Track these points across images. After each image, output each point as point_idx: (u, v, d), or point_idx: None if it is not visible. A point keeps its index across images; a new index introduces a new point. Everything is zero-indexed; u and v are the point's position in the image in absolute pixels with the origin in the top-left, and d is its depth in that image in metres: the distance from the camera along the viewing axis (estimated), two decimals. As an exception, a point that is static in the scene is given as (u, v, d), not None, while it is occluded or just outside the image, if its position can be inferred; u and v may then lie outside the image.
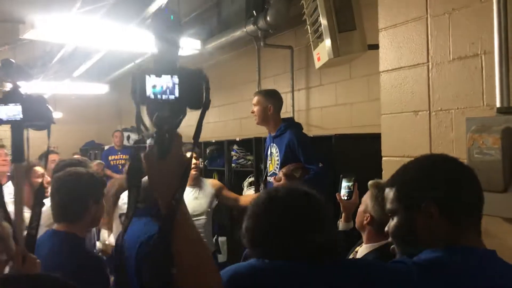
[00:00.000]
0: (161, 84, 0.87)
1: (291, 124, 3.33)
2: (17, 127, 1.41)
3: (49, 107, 1.66)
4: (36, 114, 1.45)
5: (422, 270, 1.11)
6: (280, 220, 1.22)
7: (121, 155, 7.28)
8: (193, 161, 3.63)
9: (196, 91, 0.91)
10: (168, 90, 0.87)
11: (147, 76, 0.87)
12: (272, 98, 3.36)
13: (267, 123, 3.38)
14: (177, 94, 0.87)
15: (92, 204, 1.96)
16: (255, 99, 3.40)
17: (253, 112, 3.40)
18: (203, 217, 3.65)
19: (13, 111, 1.37)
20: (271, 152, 3.38)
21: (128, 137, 8.01)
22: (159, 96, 0.87)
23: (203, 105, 0.92)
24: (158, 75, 0.87)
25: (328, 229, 1.27)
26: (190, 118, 0.99)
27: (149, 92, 0.88)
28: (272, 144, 3.37)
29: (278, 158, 3.27)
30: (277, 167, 3.26)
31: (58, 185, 1.97)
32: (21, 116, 1.39)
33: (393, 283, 1.12)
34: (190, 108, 0.92)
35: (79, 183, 1.95)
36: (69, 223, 1.93)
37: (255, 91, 5.32)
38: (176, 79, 0.87)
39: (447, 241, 1.16)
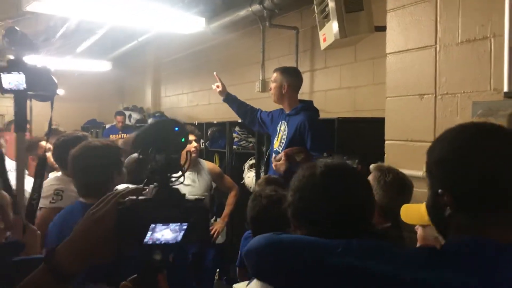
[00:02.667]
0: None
1: (308, 107, 3.24)
2: (20, 97, 1.40)
3: (54, 78, 1.65)
4: (40, 85, 1.44)
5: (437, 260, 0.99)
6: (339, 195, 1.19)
7: (123, 135, 7.28)
8: (193, 144, 3.62)
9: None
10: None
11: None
12: (289, 76, 3.24)
13: (282, 102, 3.28)
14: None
15: (116, 175, 1.93)
16: (273, 75, 3.30)
17: (270, 89, 3.32)
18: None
19: (17, 79, 1.36)
20: (279, 129, 3.29)
21: (130, 116, 7.99)
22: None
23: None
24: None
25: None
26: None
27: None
28: (283, 121, 3.28)
29: (285, 137, 3.19)
30: (281, 146, 3.20)
31: (80, 162, 1.92)
32: (25, 85, 1.37)
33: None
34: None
35: (99, 156, 1.91)
36: (96, 197, 1.90)
37: (258, 72, 5.33)
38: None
39: (468, 233, 1.01)
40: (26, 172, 2.87)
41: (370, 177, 2.03)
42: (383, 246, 1.08)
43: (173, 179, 0.90)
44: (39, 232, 1.39)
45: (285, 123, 3.24)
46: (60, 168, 2.61)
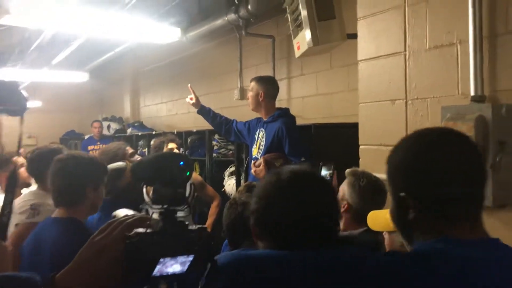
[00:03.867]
0: None
1: (285, 114, 3.30)
2: (-12, 111, 1.39)
3: (23, 92, 1.64)
4: (9, 99, 1.43)
5: (410, 263, 1.03)
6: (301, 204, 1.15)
7: (101, 145, 7.20)
8: (176, 152, 3.64)
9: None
10: None
11: None
12: (264, 85, 3.31)
13: (259, 110, 3.34)
14: None
15: (91, 191, 1.93)
16: (250, 84, 3.37)
17: (248, 98, 3.37)
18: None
19: (-16, 95, 1.35)
20: (258, 136, 3.34)
21: (109, 127, 7.92)
22: None
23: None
24: None
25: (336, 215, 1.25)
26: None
27: None
28: (261, 128, 3.33)
29: (263, 143, 3.24)
30: (259, 152, 3.25)
31: (58, 171, 1.93)
32: (-8, 100, 1.36)
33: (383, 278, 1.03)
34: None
35: (77, 168, 1.92)
36: (68, 208, 1.90)
37: (236, 80, 5.35)
38: None
39: (433, 234, 1.04)
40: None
41: (345, 182, 2.06)
42: (350, 259, 1.07)
43: (178, 212, 0.91)
44: (10, 248, 1.37)
45: (263, 130, 3.29)
46: (36, 182, 2.57)
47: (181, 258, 0.86)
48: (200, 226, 0.93)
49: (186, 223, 0.92)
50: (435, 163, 1.04)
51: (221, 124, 3.71)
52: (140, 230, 0.86)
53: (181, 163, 0.95)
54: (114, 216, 1.40)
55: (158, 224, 0.89)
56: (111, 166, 2.61)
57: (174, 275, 0.87)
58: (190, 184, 1.00)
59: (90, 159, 2.00)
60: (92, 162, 1.99)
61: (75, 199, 1.90)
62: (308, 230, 1.13)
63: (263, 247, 1.17)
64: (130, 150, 3.32)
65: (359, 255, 1.11)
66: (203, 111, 3.75)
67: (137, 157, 3.35)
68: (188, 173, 0.95)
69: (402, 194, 1.07)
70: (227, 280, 1.07)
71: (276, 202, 1.16)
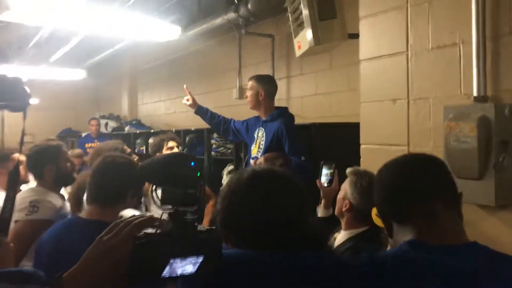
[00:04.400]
0: None
1: (284, 113, 3.30)
2: (-10, 107, 1.37)
3: (26, 88, 1.62)
4: (12, 95, 1.41)
5: (374, 267, 1.15)
6: (261, 202, 1.13)
7: (98, 143, 7.17)
8: (175, 150, 3.63)
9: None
10: None
11: None
12: (264, 84, 3.31)
13: (259, 108, 3.33)
14: None
15: (131, 195, 1.88)
16: (249, 83, 3.36)
17: (246, 96, 3.37)
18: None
19: (-13, 90, 1.33)
20: (257, 135, 3.35)
21: (106, 125, 7.90)
22: None
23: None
24: None
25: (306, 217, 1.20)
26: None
27: None
28: (260, 127, 3.34)
29: (263, 143, 3.24)
30: (259, 152, 3.25)
31: (108, 163, 1.90)
32: (-5, 95, 1.35)
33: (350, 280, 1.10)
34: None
35: (130, 168, 1.88)
36: (103, 207, 1.83)
37: (235, 79, 5.34)
38: None
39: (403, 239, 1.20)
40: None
41: (347, 181, 2.06)
42: (309, 261, 1.07)
43: (188, 213, 0.90)
44: (12, 245, 1.36)
45: (263, 130, 3.29)
46: (35, 179, 2.55)
47: (191, 259, 0.86)
48: (209, 227, 0.93)
49: (195, 224, 0.92)
50: (398, 187, 1.24)
51: (219, 124, 3.70)
52: (149, 230, 0.85)
53: (192, 163, 0.94)
54: (121, 217, 1.39)
55: (167, 225, 0.88)
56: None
57: (184, 276, 0.86)
58: (199, 184, 0.97)
59: (129, 164, 1.96)
60: (130, 166, 1.93)
61: (115, 199, 1.84)
62: (268, 230, 1.09)
63: (231, 248, 1.14)
64: (127, 149, 3.30)
65: (319, 256, 1.11)
66: (201, 111, 3.73)
67: (134, 157, 3.33)
68: (198, 174, 0.95)
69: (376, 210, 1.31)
70: (196, 284, 1.04)
71: (236, 201, 1.14)
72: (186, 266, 0.85)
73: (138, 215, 0.93)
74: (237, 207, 1.14)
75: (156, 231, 0.85)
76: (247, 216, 1.12)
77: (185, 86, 3.76)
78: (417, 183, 1.21)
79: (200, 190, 0.94)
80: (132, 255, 0.83)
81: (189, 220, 0.90)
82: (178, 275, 0.84)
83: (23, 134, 1.58)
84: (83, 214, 1.89)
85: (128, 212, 1.01)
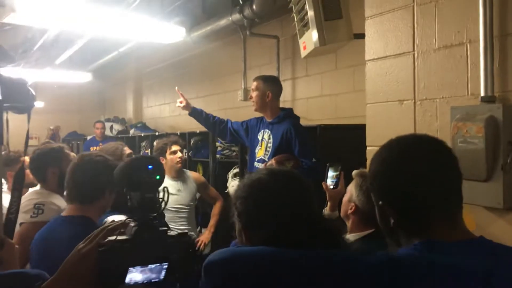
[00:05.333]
0: None
1: (291, 114, 3.26)
2: (-5, 108, 1.37)
3: (31, 89, 1.62)
4: (17, 96, 1.41)
5: (391, 269, 1.04)
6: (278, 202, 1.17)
7: (104, 146, 7.19)
8: (178, 154, 3.61)
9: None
10: None
11: None
12: (271, 84, 3.26)
13: (265, 110, 3.28)
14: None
15: (109, 192, 1.91)
16: (254, 84, 3.29)
17: (251, 97, 3.31)
18: (186, 210, 3.65)
19: (-8, 91, 1.33)
20: (263, 138, 3.29)
21: (111, 128, 7.91)
22: None
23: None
24: None
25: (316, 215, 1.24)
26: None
27: None
28: (265, 129, 3.28)
29: (270, 145, 3.19)
30: (267, 154, 3.20)
31: (83, 162, 1.94)
32: (0, 97, 1.35)
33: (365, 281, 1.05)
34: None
35: (105, 166, 1.91)
36: (82, 205, 1.88)
37: (240, 81, 5.34)
38: None
39: (416, 238, 1.07)
40: (5, 187, 2.83)
41: (352, 183, 2.04)
42: (340, 258, 1.07)
43: (152, 217, 0.88)
44: (17, 247, 1.36)
45: (269, 132, 3.25)
46: (38, 181, 2.56)
47: (154, 266, 0.84)
48: (181, 232, 0.91)
49: (165, 228, 0.89)
50: (405, 171, 1.07)
51: (214, 125, 3.62)
52: (113, 237, 0.85)
53: (150, 167, 0.92)
54: (105, 222, 1.40)
55: (131, 231, 0.87)
56: None
57: (152, 283, 0.85)
58: (164, 188, 0.96)
59: (116, 164, 1.97)
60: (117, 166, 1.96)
61: (92, 196, 1.88)
62: (293, 226, 1.13)
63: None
64: (127, 150, 3.28)
65: (340, 254, 1.11)
66: (195, 113, 3.65)
67: None
68: (158, 177, 0.92)
69: (380, 202, 1.10)
70: (219, 276, 1.07)
71: (262, 199, 1.17)
72: (148, 273, 0.84)
73: (117, 221, 0.92)
74: (263, 205, 1.17)
75: (116, 238, 0.84)
76: (274, 212, 1.15)
77: (176, 88, 3.73)
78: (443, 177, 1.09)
79: (164, 193, 0.92)
80: (97, 262, 0.83)
81: (154, 225, 0.88)
82: (139, 282, 0.84)
83: (28, 136, 1.58)
84: (65, 213, 1.92)
85: (111, 218, 1.00)
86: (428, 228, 1.05)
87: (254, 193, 1.19)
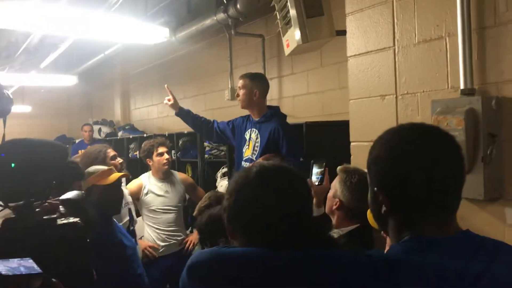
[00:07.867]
0: None
1: (278, 113, 3.24)
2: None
3: (8, 93, 1.60)
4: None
5: (383, 267, 1.01)
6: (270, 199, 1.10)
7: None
8: (165, 156, 3.59)
9: None
10: None
11: None
12: (258, 82, 3.24)
13: (252, 108, 3.25)
14: None
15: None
16: (241, 82, 3.25)
17: (237, 95, 3.28)
18: (174, 211, 3.64)
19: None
20: (250, 137, 3.26)
21: (100, 130, 7.86)
22: None
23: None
24: None
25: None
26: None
27: None
28: (252, 128, 3.25)
29: (258, 144, 3.17)
30: (254, 153, 3.18)
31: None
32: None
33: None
34: None
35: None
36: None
37: (227, 81, 5.33)
38: None
39: (406, 232, 1.04)
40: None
41: (337, 179, 2.04)
42: (330, 259, 1.04)
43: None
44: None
45: (256, 131, 3.22)
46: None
47: (17, 261, 0.83)
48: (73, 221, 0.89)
49: (45, 217, 0.88)
50: (406, 159, 1.03)
51: (201, 126, 3.58)
52: None
53: (2, 154, 0.90)
54: None
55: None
56: (92, 168, 2.57)
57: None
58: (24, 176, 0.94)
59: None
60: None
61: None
62: (280, 226, 1.08)
63: (238, 245, 1.13)
64: (111, 152, 3.25)
65: (331, 254, 1.07)
66: (182, 113, 3.58)
67: (119, 160, 3.28)
68: (13, 165, 0.91)
69: (375, 188, 1.06)
70: (201, 278, 1.05)
71: (244, 196, 1.12)
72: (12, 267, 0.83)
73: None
74: (248, 201, 1.11)
75: None
76: (259, 209, 1.09)
77: (166, 85, 3.69)
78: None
79: (28, 183, 0.90)
80: None
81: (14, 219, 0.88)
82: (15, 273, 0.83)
83: (3, 141, 1.56)
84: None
85: None
86: (417, 221, 1.03)
87: (240, 191, 1.14)
